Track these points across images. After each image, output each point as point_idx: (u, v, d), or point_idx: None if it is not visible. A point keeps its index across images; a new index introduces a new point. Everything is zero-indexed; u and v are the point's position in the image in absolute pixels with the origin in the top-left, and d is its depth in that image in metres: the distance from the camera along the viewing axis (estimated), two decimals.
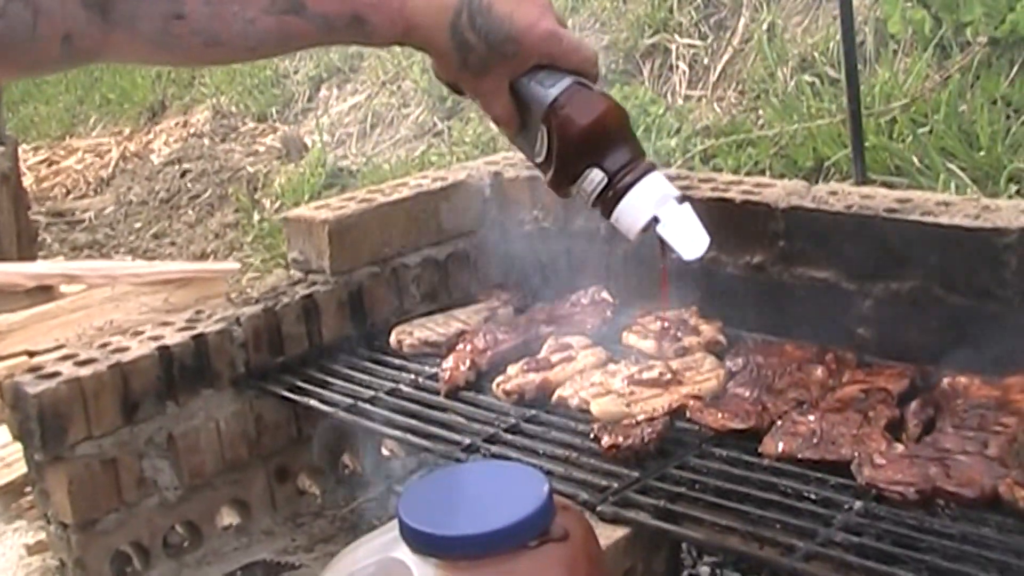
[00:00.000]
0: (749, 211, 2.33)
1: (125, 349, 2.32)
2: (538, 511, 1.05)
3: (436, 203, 2.73)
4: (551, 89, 1.51)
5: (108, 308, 3.77)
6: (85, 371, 2.23)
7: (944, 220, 2.09)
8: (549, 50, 1.60)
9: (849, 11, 2.79)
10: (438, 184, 2.77)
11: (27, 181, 6.32)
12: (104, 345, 2.36)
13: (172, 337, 2.36)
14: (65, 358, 2.31)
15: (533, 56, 1.60)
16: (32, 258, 4.30)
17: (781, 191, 2.34)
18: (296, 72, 6.98)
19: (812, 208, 2.26)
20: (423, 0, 1.60)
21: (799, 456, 1.83)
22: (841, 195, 2.28)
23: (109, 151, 7.42)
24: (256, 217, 5.49)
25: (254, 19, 1.52)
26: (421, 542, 1.06)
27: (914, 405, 1.91)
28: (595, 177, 1.52)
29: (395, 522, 1.08)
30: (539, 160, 1.57)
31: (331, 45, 1.69)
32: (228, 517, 2.49)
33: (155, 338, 2.36)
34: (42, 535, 2.45)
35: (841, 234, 2.23)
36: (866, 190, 2.35)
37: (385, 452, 2.69)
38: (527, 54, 1.60)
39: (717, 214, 2.38)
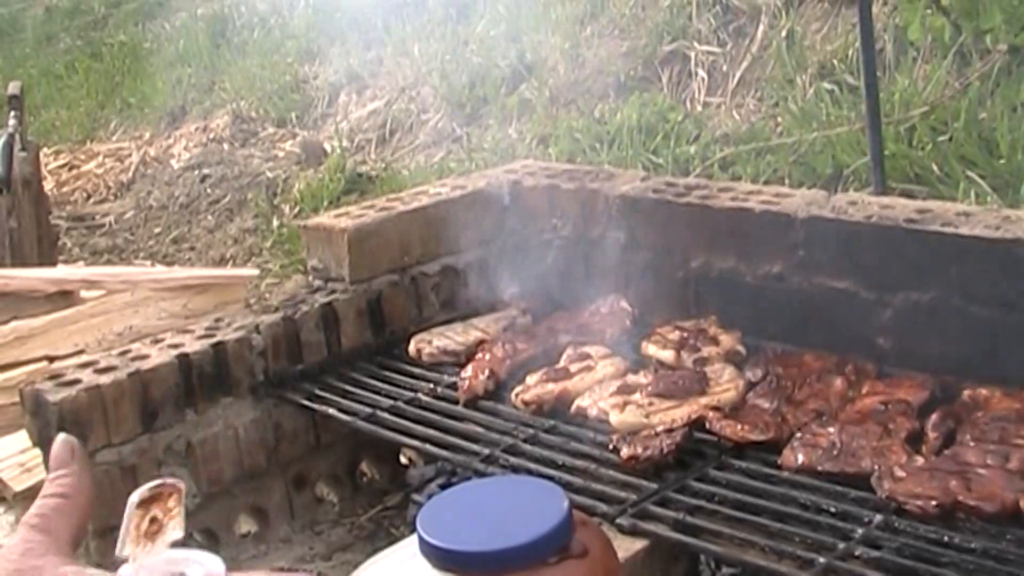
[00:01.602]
0: (768, 221, 2.33)
1: (145, 357, 2.32)
2: (558, 527, 1.04)
3: (455, 211, 2.73)
4: None
5: (128, 313, 3.78)
6: (105, 379, 2.24)
7: (964, 231, 2.08)
8: None
9: (868, 24, 2.79)
10: (457, 192, 2.77)
11: (48, 185, 6.34)
12: (124, 353, 2.36)
13: (191, 345, 2.36)
14: (85, 365, 2.32)
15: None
16: (53, 263, 4.31)
17: (800, 201, 2.34)
18: (316, 78, 6.99)
19: (831, 218, 2.26)
20: None
21: (819, 468, 1.82)
22: (861, 205, 2.28)
23: (129, 156, 7.44)
24: (275, 223, 5.50)
25: None
26: (440, 558, 1.06)
27: (934, 417, 1.91)
28: None
29: (414, 537, 1.08)
30: None
31: None
32: (246, 525, 2.49)
33: (175, 346, 2.36)
34: None
35: (861, 244, 2.22)
36: (886, 200, 2.35)
37: (403, 460, 2.69)
38: None
39: (736, 224, 2.38)
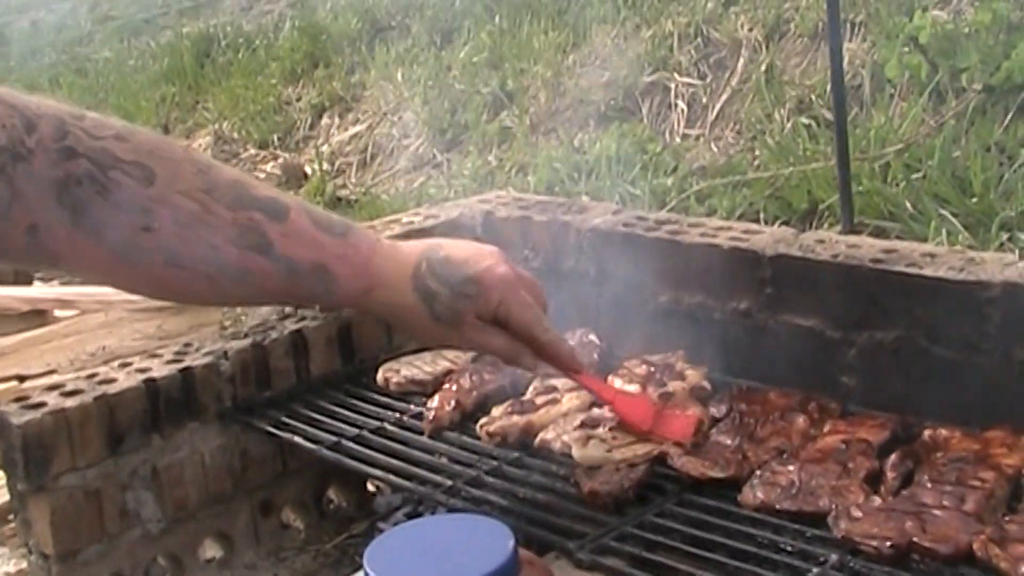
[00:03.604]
0: (737, 258, 2.35)
1: (112, 380, 2.32)
2: (502, 567, 1.06)
3: None
4: None
5: (101, 334, 3.78)
6: (71, 402, 2.24)
7: (928, 272, 2.10)
8: (506, 291, 1.75)
9: (839, 69, 2.82)
10: (430, 222, 2.79)
11: None
12: (91, 376, 2.36)
13: (159, 370, 2.36)
14: (51, 388, 2.31)
15: (495, 294, 1.73)
16: (28, 281, 4.31)
17: (769, 238, 2.36)
18: (299, 100, 7.01)
19: (799, 256, 2.27)
20: (388, 258, 1.71)
21: (777, 506, 1.83)
22: (828, 244, 2.29)
23: None
24: None
25: (218, 247, 1.55)
26: None
27: (893, 457, 1.92)
28: None
29: (361, 574, 1.10)
30: None
31: (294, 298, 1.91)
32: (211, 550, 2.49)
33: (142, 370, 2.37)
34: (23, 564, 2.45)
35: (827, 283, 2.24)
36: (853, 239, 2.36)
37: (371, 487, 2.69)
38: (488, 293, 1.73)
39: (705, 260, 2.40)
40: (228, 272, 1.60)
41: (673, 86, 4.94)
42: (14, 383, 3.41)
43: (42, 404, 2.23)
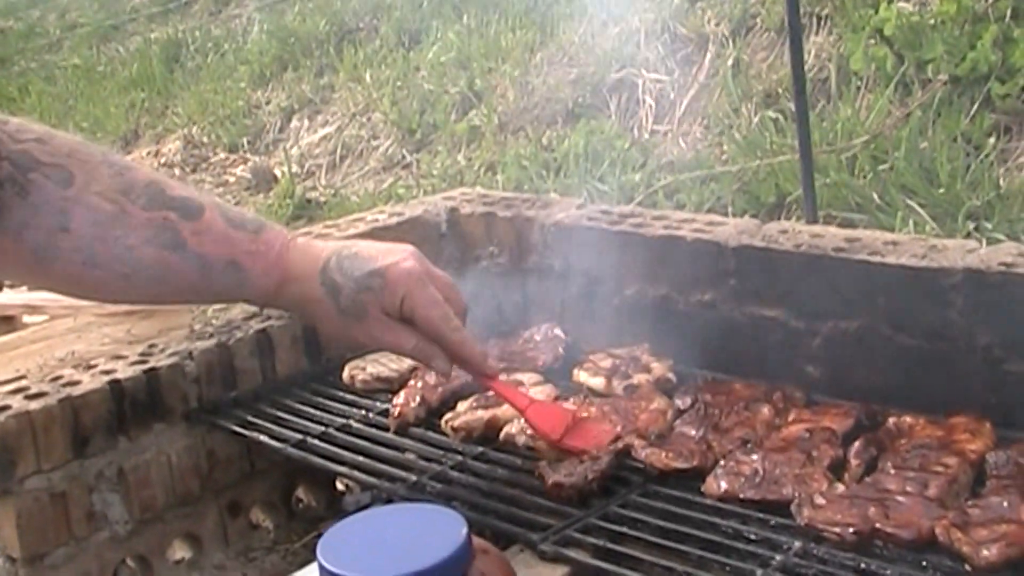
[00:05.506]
0: (700, 249, 2.35)
1: (76, 383, 2.31)
2: (454, 555, 1.05)
3: (392, 238, 2.73)
4: None
5: (70, 339, 3.74)
6: (35, 405, 2.22)
7: (891, 260, 2.10)
8: (412, 286, 1.76)
9: (800, 56, 2.82)
10: (394, 219, 2.78)
11: None
12: (55, 379, 2.35)
13: (124, 371, 2.35)
14: (15, 391, 2.30)
15: (399, 288, 1.74)
16: None
17: (732, 230, 2.36)
18: (268, 103, 6.99)
19: (762, 247, 2.28)
20: (299, 254, 1.74)
21: (741, 496, 1.83)
22: (791, 234, 2.30)
23: None
24: None
25: (134, 247, 1.60)
26: None
27: (857, 445, 1.92)
28: None
29: (315, 566, 1.09)
30: None
31: (207, 295, 1.92)
32: (180, 551, 2.47)
33: (107, 372, 2.35)
34: None
35: (790, 273, 2.24)
36: (817, 229, 2.37)
37: (340, 486, 2.68)
38: (392, 286, 1.74)
39: (669, 252, 2.40)
40: (143, 271, 1.64)
41: (641, 82, 4.95)
42: None
43: (6, 407, 2.22)
